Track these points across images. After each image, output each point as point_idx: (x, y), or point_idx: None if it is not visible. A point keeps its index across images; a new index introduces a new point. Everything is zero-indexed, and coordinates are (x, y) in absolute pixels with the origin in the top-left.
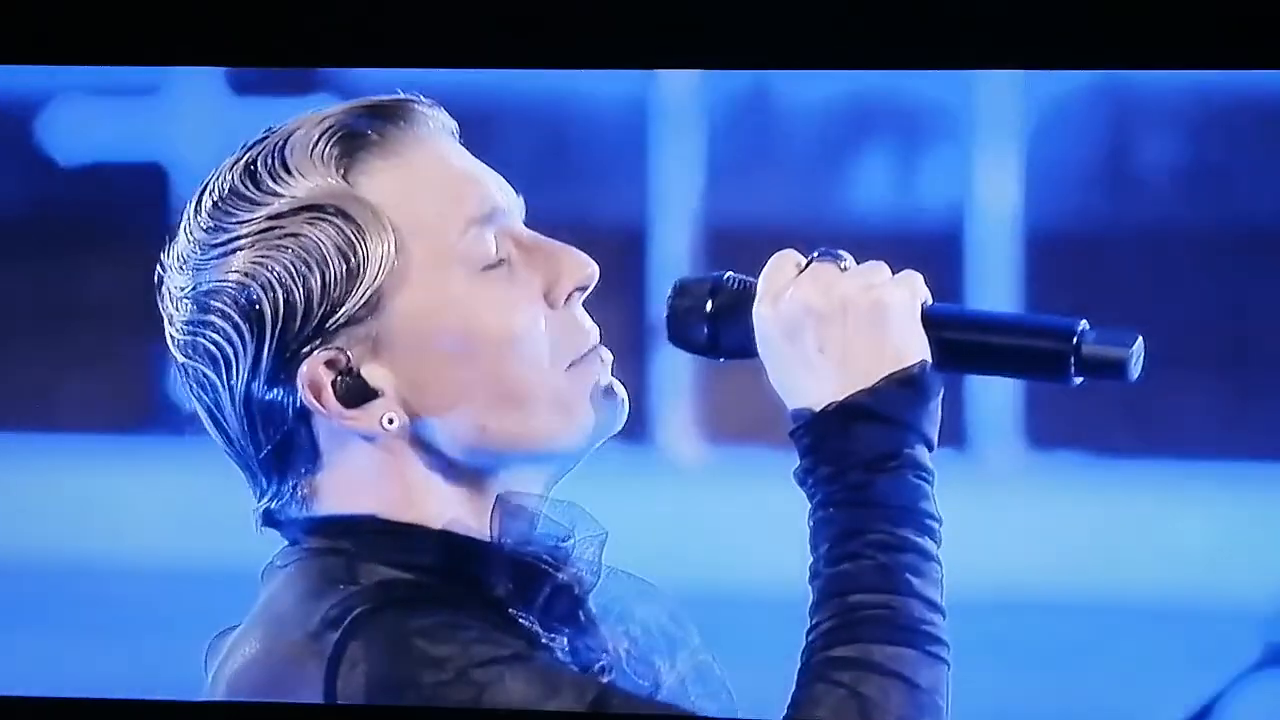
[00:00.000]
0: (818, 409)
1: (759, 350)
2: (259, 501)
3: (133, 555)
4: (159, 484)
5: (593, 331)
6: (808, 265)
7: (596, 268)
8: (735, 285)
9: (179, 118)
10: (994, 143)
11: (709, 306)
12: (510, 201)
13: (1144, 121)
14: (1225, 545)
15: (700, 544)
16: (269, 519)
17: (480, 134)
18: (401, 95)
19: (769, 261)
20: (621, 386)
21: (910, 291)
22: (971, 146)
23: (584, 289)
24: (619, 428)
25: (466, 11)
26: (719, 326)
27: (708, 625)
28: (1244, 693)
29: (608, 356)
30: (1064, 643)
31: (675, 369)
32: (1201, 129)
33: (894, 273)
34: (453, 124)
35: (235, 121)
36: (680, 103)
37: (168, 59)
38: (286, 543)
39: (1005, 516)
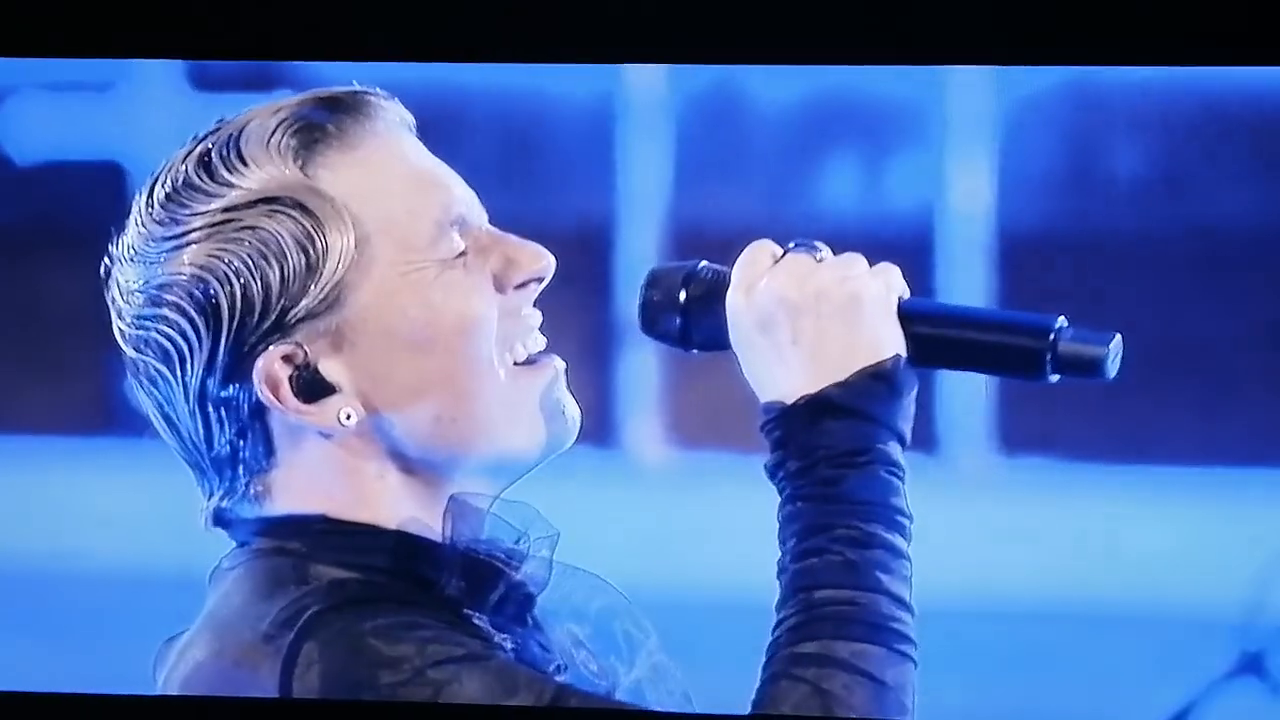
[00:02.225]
0: (789, 402)
1: (731, 341)
2: (208, 500)
3: (82, 559)
4: (113, 488)
5: (542, 335)
6: (784, 256)
7: (552, 260)
8: (709, 275)
9: (136, 114)
10: (965, 142)
11: (682, 297)
12: (472, 205)
13: (1116, 122)
14: (1198, 551)
15: (666, 548)
16: (218, 518)
17: (443, 131)
18: (358, 87)
19: (744, 251)
20: (574, 403)
21: (886, 284)
22: (942, 146)
23: (539, 280)
24: (570, 440)
25: (431, 4)
26: (691, 317)
27: (674, 629)
28: (1216, 701)
29: (560, 365)
30: (1035, 649)
31: (641, 370)
32: (1174, 131)
33: (871, 265)
34: (410, 118)
35: (194, 117)
36: (647, 100)
37: (125, 52)
38: (235, 545)
39: (976, 521)
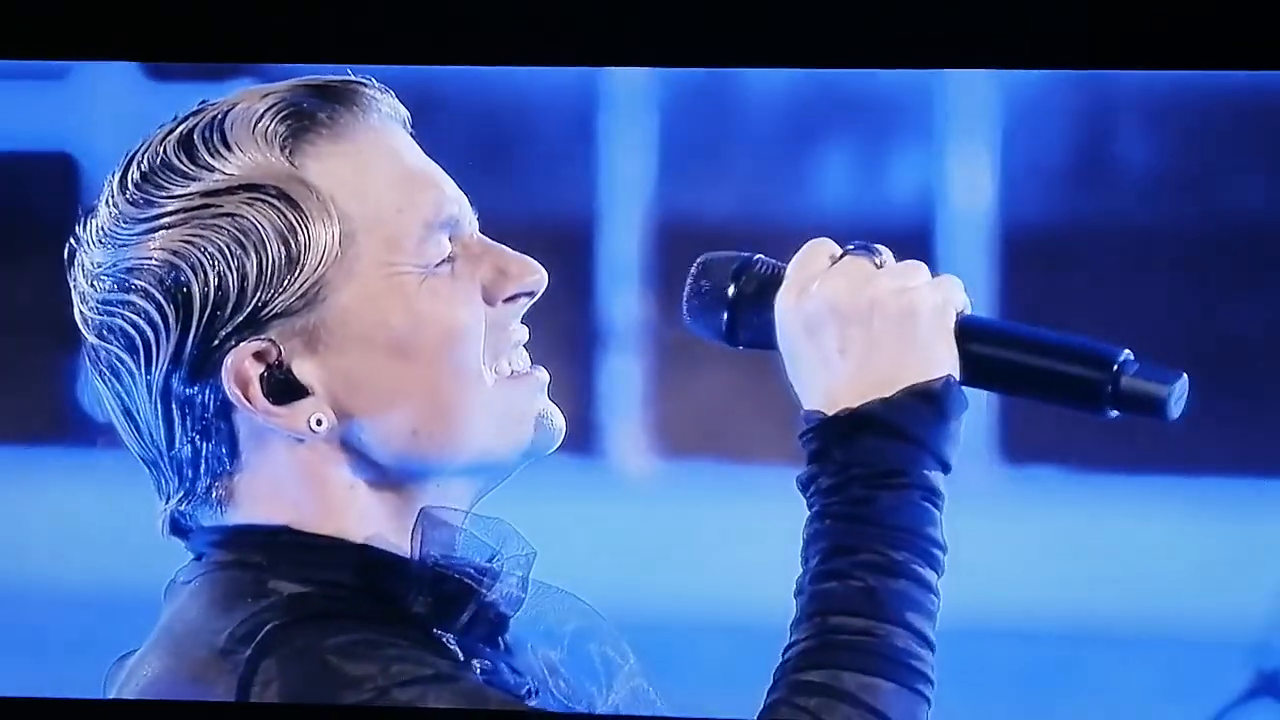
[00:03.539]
0: (829, 413)
1: (778, 342)
2: (166, 503)
3: (33, 575)
4: (66, 499)
5: (523, 341)
6: (841, 257)
7: (544, 275)
8: (763, 270)
9: (90, 104)
10: (965, 135)
11: (731, 290)
12: (464, 208)
13: (1125, 113)
14: (1213, 566)
15: (650, 561)
16: (175, 525)
17: (416, 123)
18: (353, 78)
19: (802, 249)
20: (559, 412)
21: (945, 298)
22: (941, 139)
23: (529, 295)
24: (554, 446)
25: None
26: (740, 313)
27: (658, 645)
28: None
29: (544, 377)
30: (1043, 669)
31: (624, 374)
32: (1181, 125)
33: (934, 275)
34: (404, 112)
35: (151, 107)
36: (631, 90)
37: (82, 52)
38: (192, 557)
39: (978, 535)
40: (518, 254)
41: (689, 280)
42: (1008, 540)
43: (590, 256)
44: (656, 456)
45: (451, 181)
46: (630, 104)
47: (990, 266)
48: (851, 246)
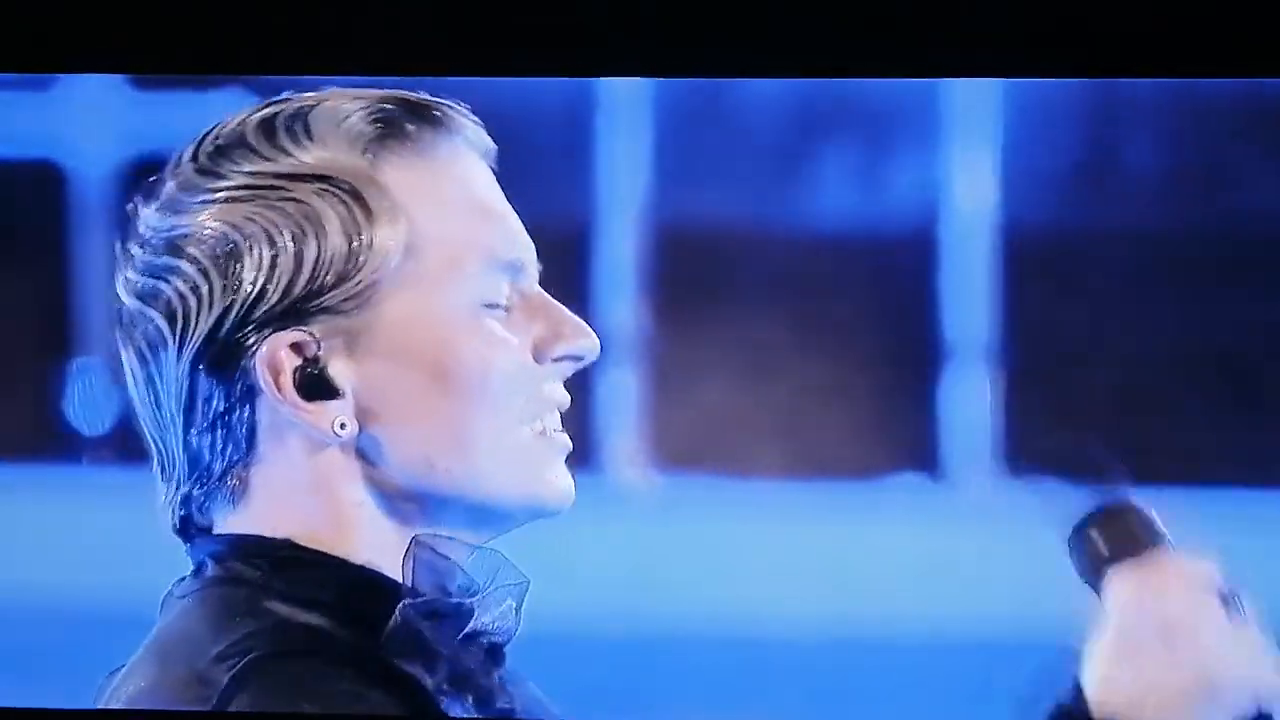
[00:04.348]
0: (1093, 712)
1: (1105, 602)
2: (175, 490)
3: (14, 590)
4: (51, 515)
5: (564, 407)
6: (1224, 604)
7: (598, 345)
8: (1145, 527)
9: (75, 112)
10: (967, 139)
11: (1105, 549)
12: (530, 257)
13: (1126, 121)
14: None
15: (648, 576)
16: (184, 525)
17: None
18: (448, 100)
19: (1200, 561)
20: (572, 482)
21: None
22: (944, 143)
23: (576, 359)
24: (562, 511)
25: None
26: (1097, 559)
27: (657, 661)
28: None
29: (568, 446)
30: (1048, 683)
31: (622, 387)
32: (1200, 120)
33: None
34: (490, 145)
35: (135, 116)
36: (628, 93)
37: (70, 66)
38: (191, 567)
39: (983, 547)
40: (575, 317)
41: (1081, 522)
42: (1012, 552)
43: (586, 264)
44: (653, 470)
45: (522, 227)
46: (628, 109)
47: (993, 271)
48: (1230, 592)
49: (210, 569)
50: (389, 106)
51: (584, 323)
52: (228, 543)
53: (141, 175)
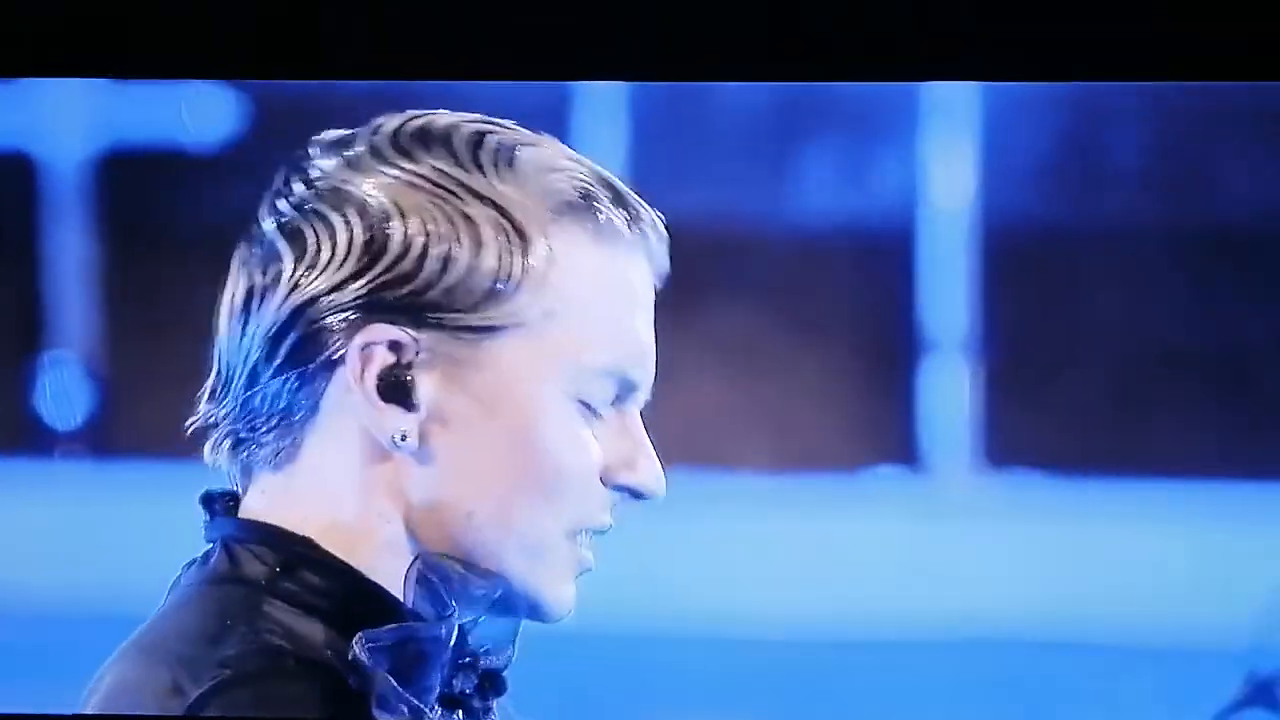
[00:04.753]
0: None
1: None
2: (220, 415)
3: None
4: (24, 511)
5: (604, 531)
6: None
7: (663, 490)
8: None
9: (46, 106)
10: (947, 137)
11: None
12: (647, 387)
13: (1106, 118)
14: (1203, 572)
15: (631, 571)
16: (208, 501)
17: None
18: (653, 210)
19: None
20: (574, 596)
21: None
22: (923, 140)
23: (636, 495)
24: (547, 622)
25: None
26: None
27: (639, 656)
28: None
29: (590, 564)
30: (1029, 680)
31: None
32: (1178, 120)
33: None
34: (666, 268)
35: (106, 108)
36: (608, 98)
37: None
38: (203, 546)
39: (963, 543)
40: (654, 456)
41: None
42: (994, 548)
43: None
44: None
45: (654, 357)
46: (607, 109)
47: (973, 267)
48: None
49: (218, 559)
50: (596, 183)
51: (659, 465)
52: (247, 529)
53: (113, 170)
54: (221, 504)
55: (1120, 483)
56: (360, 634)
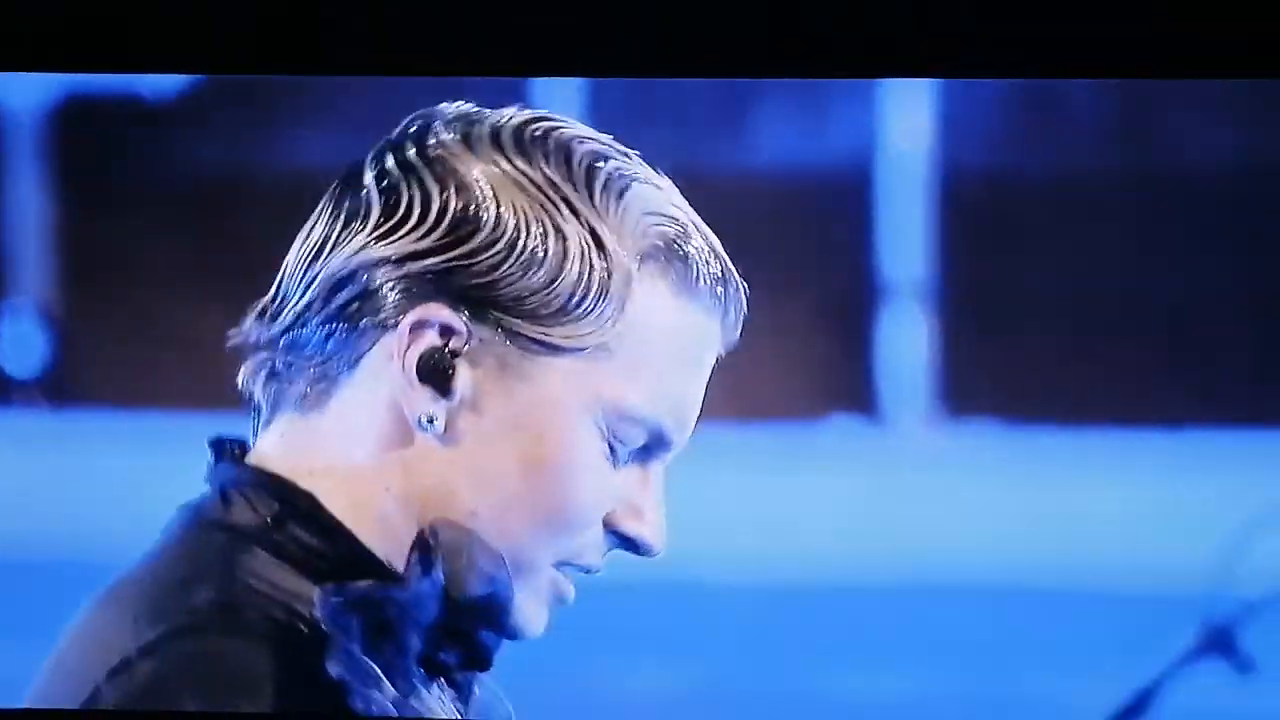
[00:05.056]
0: None
1: None
2: (262, 336)
3: None
4: None
5: (591, 571)
6: None
7: (658, 552)
8: None
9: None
10: (904, 83)
11: None
12: (678, 447)
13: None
14: (1159, 520)
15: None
16: (217, 447)
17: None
18: (741, 281)
19: None
20: (545, 621)
21: None
22: (881, 87)
23: (632, 546)
24: (513, 639)
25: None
26: None
27: (590, 607)
28: (1180, 679)
29: (569, 596)
30: (985, 627)
31: None
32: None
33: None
34: (734, 341)
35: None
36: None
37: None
38: (207, 490)
39: (920, 493)
40: (662, 517)
41: None
42: (951, 497)
43: None
44: None
45: (692, 423)
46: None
47: (930, 214)
48: None
49: (212, 504)
50: (694, 240)
51: (663, 532)
52: (249, 476)
53: (70, 119)
54: (230, 450)
55: (1077, 431)
56: (325, 586)
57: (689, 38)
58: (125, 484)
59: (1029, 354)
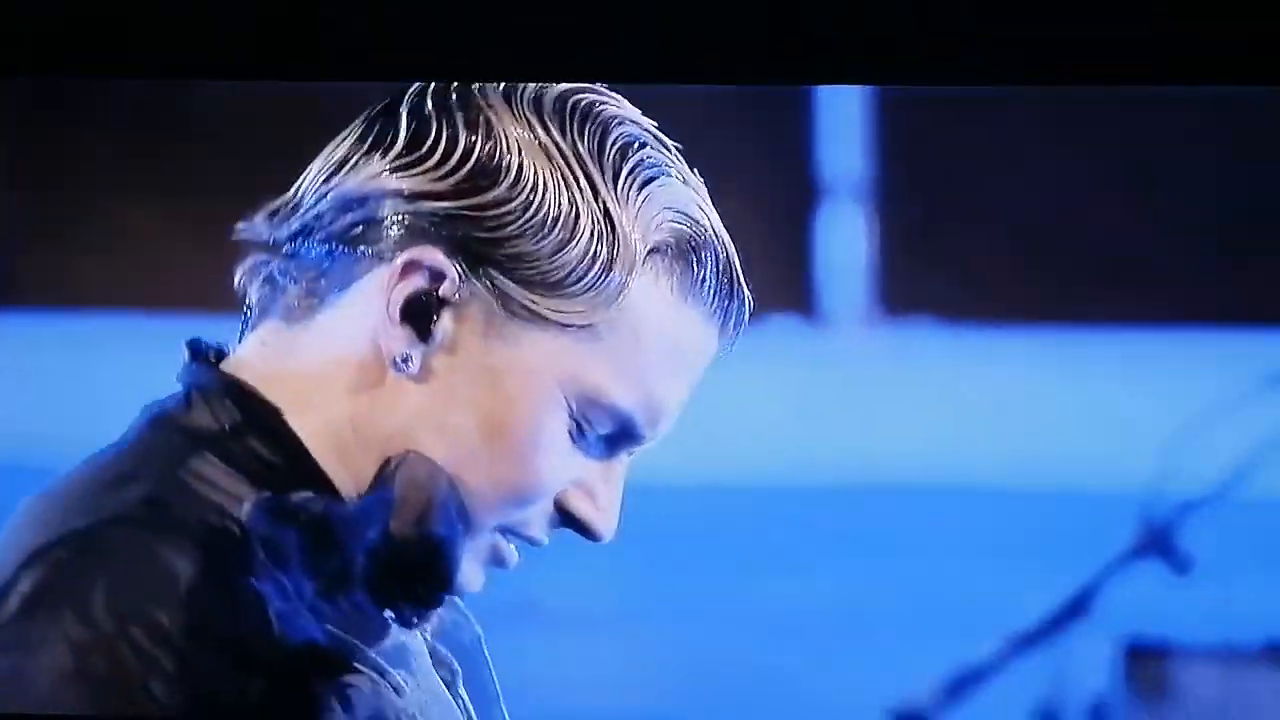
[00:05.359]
0: None
1: None
2: (269, 235)
3: None
4: None
5: (535, 545)
6: None
7: (603, 540)
8: None
9: None
10: None
11: None
12: (643, 444)
13: None
14: (1098, 420)
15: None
16: (194, 350)
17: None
18: (748, 296)
19: None
20: (481, 581)
21: None
22: None
23: (581, 529)
24: (456, 594)
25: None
26: None
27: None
28: (1119, 578)
29: (511, 559)
30: (924, 526)
31: None
32: None
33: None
34: (725, 353)
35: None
36: None
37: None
38: (181, 388)
39: (860, 393)
40: (616, 509)
41: None
42: (890, 396)
43: None
44: None
45: (666, 428)
46: None
47: (870, 110)
48: None
49: (175, 405)
50: (709, 246)
51: (615, 521)
52: (219, 381)
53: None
54: (204, 353)
55: (1016, 331)
56: (262, 494)
57: (689, 39)
58: (60, 385)
59: (969, 254)
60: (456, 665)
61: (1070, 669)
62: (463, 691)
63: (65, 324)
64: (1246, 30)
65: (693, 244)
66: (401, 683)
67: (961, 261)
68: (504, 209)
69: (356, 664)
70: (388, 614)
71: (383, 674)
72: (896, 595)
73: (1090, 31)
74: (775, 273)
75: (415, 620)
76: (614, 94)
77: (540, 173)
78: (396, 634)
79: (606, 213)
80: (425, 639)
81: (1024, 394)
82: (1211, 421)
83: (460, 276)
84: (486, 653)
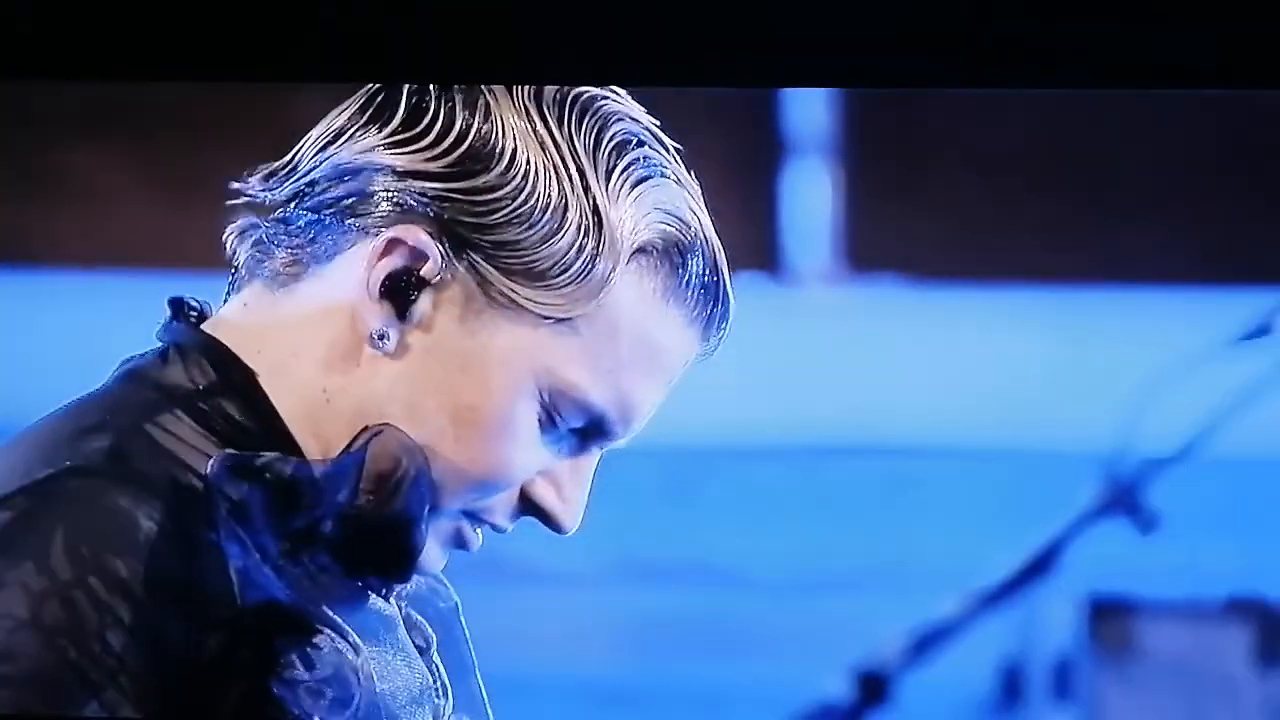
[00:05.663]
0: None
1: None
2: (258, 214)
3: None
4: None
5: (499, 531)
6: None
7: (566, 533)
8: None
9: None
10: None
11: None
12: (614, 442)
13: None
14: (1064, 377)
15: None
16: (175, 309)
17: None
18: (733, 301)
19: None
20: (442, 563)
21: None
22: None
23: (545, 519)
24: (421, 573)
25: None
26: None
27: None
28: (1083, 537)
29: (475, 544)
30: (888, 485)
31: None
32: None
33: None
34: (706, 357)
35: None
36: None
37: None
38: (160, 344)
39: (824, 349)
40: (581, 503)
41: None
42: (855, 353)
43: None
44: None
45: (635, 429)
46: None
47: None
48: None
49: (149, 361)
50: (697, 250)
51: (579, 515)
52: (198, 340)
53: None
54: (185, 311)
55: (980, 289)
56: (226, 450)
57: (689, 39)
58: (18, 342)
59: (933, 211)
60: (431, 632)
61: (1035, 626)
62: (437, 659)
63: (15, 280)
64: (1246, 30)
65: (680, 246)
66: (359, 642)
67: (927, 219)
68: (493, 195)
69: (316, 624)
70: (357, 582)
71: (342, 634)
72: (861, 553)
73: (1092, 32)
74: (741, 230)
75: (384, 592)
76: (617, 90)
77: (533, 162)
78: (362, 598)
79: (596, 208)
80: (400, 605)
81: (989, 352)
82: (1176, 380)
83: (443, 258)
84: (463, 622)
